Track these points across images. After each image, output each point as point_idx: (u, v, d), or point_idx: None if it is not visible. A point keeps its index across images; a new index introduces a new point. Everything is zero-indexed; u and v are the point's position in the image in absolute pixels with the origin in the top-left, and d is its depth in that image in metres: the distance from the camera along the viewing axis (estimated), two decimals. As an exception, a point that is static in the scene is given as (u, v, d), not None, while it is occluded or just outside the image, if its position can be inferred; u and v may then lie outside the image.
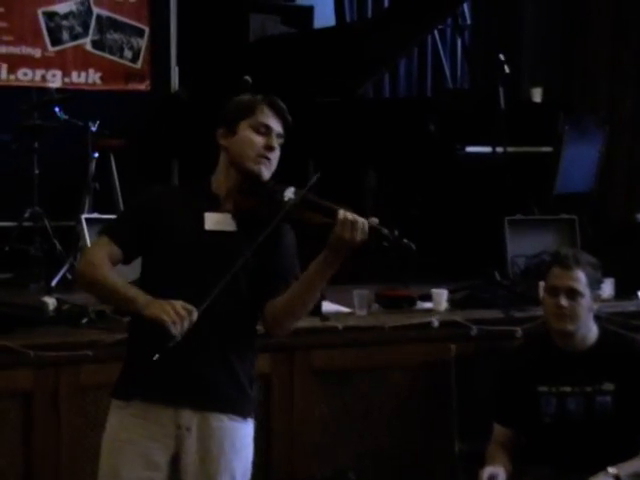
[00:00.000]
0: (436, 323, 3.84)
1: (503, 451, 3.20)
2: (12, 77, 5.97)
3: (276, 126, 2.50)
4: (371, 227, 2.34)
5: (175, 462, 2.45)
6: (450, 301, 4.12)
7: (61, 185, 5.43)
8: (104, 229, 2.52)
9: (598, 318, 3.28)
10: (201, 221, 2.46)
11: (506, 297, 4.18)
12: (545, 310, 3.23)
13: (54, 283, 4.63)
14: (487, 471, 3.07)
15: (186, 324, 2.30)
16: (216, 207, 2.48)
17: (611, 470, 3.02)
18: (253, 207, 2.46)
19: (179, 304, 2.31)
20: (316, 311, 3.83)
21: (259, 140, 2.47)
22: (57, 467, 3.38)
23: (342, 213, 2.33)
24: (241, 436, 2.49)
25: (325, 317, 3.80)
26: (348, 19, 6.80)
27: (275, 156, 2.49)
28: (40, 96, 5.47)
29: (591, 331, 3.20)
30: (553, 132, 5.15)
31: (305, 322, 3.72)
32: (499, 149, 4.69)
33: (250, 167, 2.46)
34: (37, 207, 5.10)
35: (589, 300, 3.14)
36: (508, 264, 4.59)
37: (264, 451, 3.60)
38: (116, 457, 2.45)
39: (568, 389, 3.17)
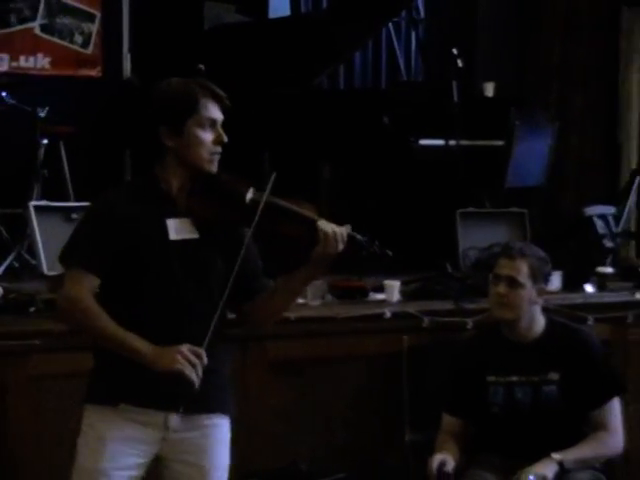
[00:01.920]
0: (388, 314, 3.86)
1: (452, 440, 3.25)
2: (-43, 61, 5.86)
3: (219, 115, 2.46)
4: (349, 235, 2.39)
5: (155, 463, 2.47)
6: (402, 292, 4.14)
7: (9, 172, 5.34)
8: (68, 260, 2.42)
9: (546, 310, 3.34)
10: (164, 230, 2.41)
11: (457, 289, 4.21)
12: (489, 299, 3.30)
13: (0, 271, 4.56)
14: (437, 459, 3.11)
15: (200, 369, 2.32)
16: (173, 209, 2.44)
17: (555, 456, 3.09)
18: (214, 213, 2.43)
19: (187, 350, 2.31)
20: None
21: (208, 137, 2.43)
22: (5, 457, 3.33)
23: (322, 227, 2.36)
24: (225, 431, 2.56)
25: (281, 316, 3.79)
26: (303, 9, 6.78)
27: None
28: (-14, 80, 5.37)
29: (538, 322, 3.26)
30: (505, 126, 5.18)
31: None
32: (452, 142, 4.71)
33: (204, 167, 2.43)
34: (-17, 194, 5.03)
35: (530, 291, 3.20)
36: (460, 256, 4.62)
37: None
38: (97, 455, 2.41)
39: (515, 379, 3.23)
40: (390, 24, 6.16)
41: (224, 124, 2.49)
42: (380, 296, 4.12)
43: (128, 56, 6.25)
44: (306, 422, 3.76)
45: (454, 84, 4.64)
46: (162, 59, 5.94)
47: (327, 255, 2.38)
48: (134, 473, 2.45)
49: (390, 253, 2.44)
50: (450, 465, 3.10)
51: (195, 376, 2.31)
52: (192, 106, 2.41)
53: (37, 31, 6.04)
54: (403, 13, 6.33)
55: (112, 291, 2.40)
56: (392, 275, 4.24)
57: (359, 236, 2.42)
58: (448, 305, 4.04)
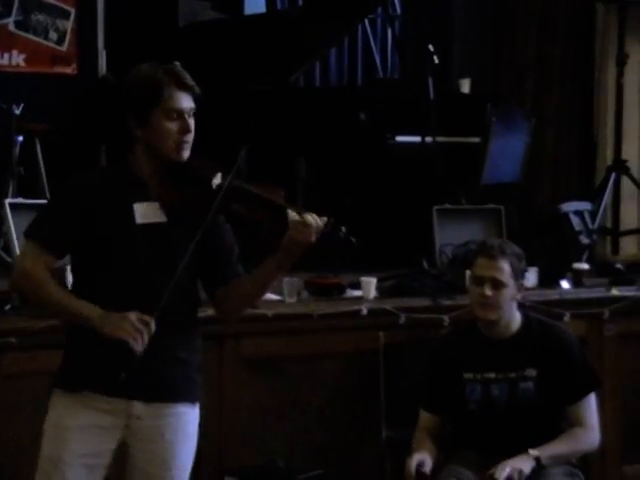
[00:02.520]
0: (365, 311, 3.86)
1: (429, 437, 3.25)
2: None
3: (187, 104, 2.42)
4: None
5: (121, 449, 2.45)
6: (379, 289, 4.14)
7: (-17, 169, 5.30)
8: (30, 234, 2.44)
9: (522, 306, 3.35)
10: (130, 213, 2.42)
11: (434, 286, 4.21)
12: (470, 299, 3.29)
13: (-24, 269, 4.53)
14: (415, 458, 3.11)
15: (146, 337, 2.30)
16: (143, 194, 2.44)
17: (532, 452, 3.10)
18: (182, 199, 2.43)
19: (135, 317, 2.30)
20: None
21: (174, 127, 2.40)
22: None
23: (292, 214, 2.34)
24: (190, 420, 2.52)
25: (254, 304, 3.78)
26: (279, 6, 6.76)
27: (192, 134, 2.44)
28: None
29: (515, 319, 3.27)
30: (481, 123, 5.19)
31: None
32: (428, 139, 4.71)
33: (172, 156, 2.43)
34: (-43, 191, 4.98)
35: (513, 290, 3.21)
36: (436, 253, 4.62)
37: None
38: (60, 443, 2.42)
39: (492, 375, 3.23)
40: (366, 21, 6.15)
41: (200, 115, 2.47)
42: (357, 293, 4.12)
43: (103, 53, 6.22)
44: (282, 419, 3.75)
45: (430, 81, 4.64)
46: (137, 56, 5.89)
47: (297, 243, 2.35)
48: (97, 461, 2.44)
49: (354, 240, 2.41)
50: (428, 466, 3.10)
51: (139, 344, 2.29)
52: (157, 96, 2.39)
53: (11, 27, 6.00)
54: (379, 10, 6.33)
55: (79, 271, 2.44)
56: (368, 272, 4.24)
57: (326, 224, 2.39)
58: (425, 302, 4.04)
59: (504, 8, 6.47)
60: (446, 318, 3.90)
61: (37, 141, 5.29)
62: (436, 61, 4.68)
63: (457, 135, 5.22)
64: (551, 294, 4.29)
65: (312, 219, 2.34)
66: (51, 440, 2.45)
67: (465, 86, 5.97)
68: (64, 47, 6.13)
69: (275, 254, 2.41)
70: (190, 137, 2.44)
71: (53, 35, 6.12)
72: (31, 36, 6.06)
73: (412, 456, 3.13)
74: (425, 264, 4.47)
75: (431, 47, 4.70)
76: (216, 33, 5.81)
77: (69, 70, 6.16)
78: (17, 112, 5.02)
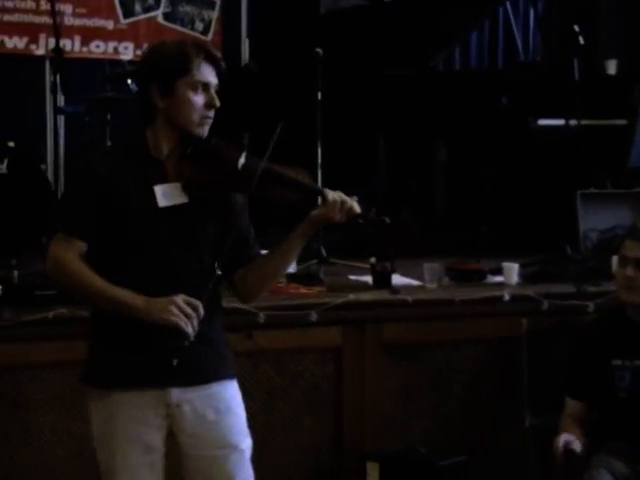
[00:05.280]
0: (507, 297, 3.82)
1: (575, 424, 3.20)
2: (85, 49, 6.05)
3: (214, 78, 2.38)
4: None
5: (170, 438, 2.43)
6: (521, 275, 4.08)
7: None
8: (59, 226, 2.37)
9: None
10: (152, 197, 2.35)
11: (578, 271, 4.13)
12: (616, 283, 3.23)
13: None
14: (563, 437, 3.08)
15: (196, 321, 2.27)
16: (162, 174, 2.37)
17: None
18: (204, 177, 2.37)
19: (182, 300, 2.27)
20: (386, 284, 3.84)
21: (200, 100, 2.35)
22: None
23: (332, 195, 2.34)
24: (229, 396, 2.48)
25: (395, 290, 3.80)
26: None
27: (214, 111, 2.40)
28: (113, 68, 5.53)
29: (664, 304, 3.17)
30: (628, 105, 5.04)
31: (375, 295, 3.75)
32: (572, 122, 4.62)
33: (194, 131, 2.37)
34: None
35: None
36: (580, 238, 4.53)
37: (335, 425, 3.64)
38: (112, 448, 2.39)
39: (643, 363, 3.15)
40: (507, 2, 6.05)
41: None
42: (498, 279, 4.07)
43: (247, 42, 6.35)
44: (422, 405, 3.75)
45: (575, 62, 4.54)
46: (280, 45, 6.01)
47: (327, 219, 2.36)
48: (153, 456, 2.41)
49: (388, 220, 2.39)
50: (577, 445, 3.06)
51: (191, 330, 2.25)
52: (184, 66, 2.35)
53: (160, 19, 6.20)
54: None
55: (102, 256, 2.35)
56: (511, 257, 4.19)
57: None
58: (568, 288, 3.96)
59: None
60: (591, 305, 3.82)
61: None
62: (582, 42, 4.58)
63: (602, 118, 5.09)
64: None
65: (348, 200, 2.36)
66: (104, 448, 2.42)
67: (611, 67, 5.80)
68: (209, 37, 6.29)
69: (298, 226, 2.39)
70: (212, 113, 2.38)
71: (199, 25, 6.29)
72: (178, 27, 6.25)
73: (560, 435, 3.09)
74: (569, 250, 4.39)
75: (576, 27, 4.60)
76: (357, 19, 5.83)
77: (214, 59, 6.31)
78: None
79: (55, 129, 5.49)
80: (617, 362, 3.17)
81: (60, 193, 4.57)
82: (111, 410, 2.39)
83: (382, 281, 3.86)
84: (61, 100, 5.20)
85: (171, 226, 2.36)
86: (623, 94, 5.08)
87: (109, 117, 5.16)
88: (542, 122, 5.01)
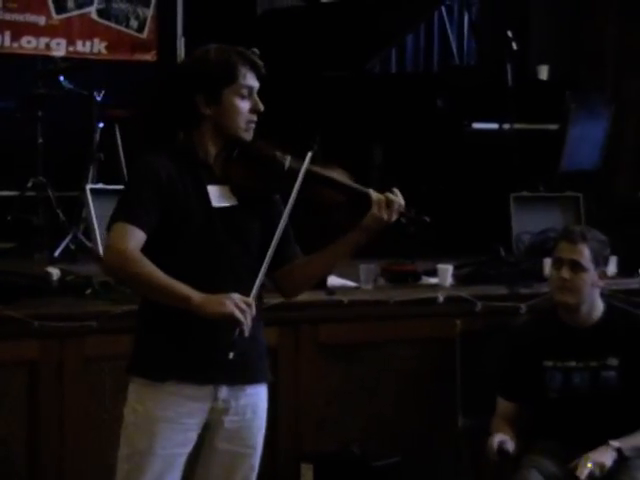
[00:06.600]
0: (441, 298, 3.85)
1: (507, 424, 3.24)
2: (15, 45, 5.94)
3: (256, 83, 2.44)
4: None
5: (204, 429, 2.46)
6: (455, 277, 4.12)
7: (65, 155, 5.41)
8: (119, 216, 2.38)
9: (603, 295, 3.30)
10: (206, 197, 2.42)
11: (511, 273, 4.18)
12: (550, 284, 3.27)
13: (57, 253, 4.63)
14: (497, 437, 3.11)
15: (249, 317, 2.29)
16: (211, 177, 2.43)
17: (613, 443, 3.06)
18: (252, 181, 2.43)
19: (237, 298, 2.29)
20: (322, 285, 3.83)
21: (246, 106, 2.42)
22: (60, 437, 3.37)
23: (376, 195, 2.38)
24: (264, 399, 2.55)
25: (331, 291, 3.80)
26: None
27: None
28: (45, 65, 5.43)
29: (597, 307, 3.23)
30: (560, 110, 5.13)
31: (311, 296, 3.73)
32: (506, 126, 4.68)
33: (240, 135, 2.43)
34: (41, 177, 5.09)
35: (593, 275, 3.17)
36: (513, 241, 4.59)
37: (269, 426, 3.60)
38: (150, 436, 2.41)
39: (573, 364, 3.20)
40: (442, 6, 6.11)
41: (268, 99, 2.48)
42: (433, 280, 4.10)
43: (182, 40, 6.29)
44: (357, 406, 3.76)
45: (508, 67, 4.60)
46: (215, 43, 5.96)
47: (379, 221, 2.39)
48: (183, 450, 2.44)
49: (427, 219, 2.44)
50: (510, 445, 3.09)
51: (247, 324, 2.27)
52: (231, 74, 2.40)
53: (94, 16, 6.11)
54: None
55: (156, 253, 2.35)
56: (445, 259, 4.22)
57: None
58: (501, 290, 4.01)
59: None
60: (523, 306, 3.87)
61: (117, 127, 5.38)
62: (515, 47, 4.64)
63: (535, 122, 5.16)
64: (630, 283, 4.24)
65: (395, 196, 2.40)
66: (139, 432, 2.43)
67: (543, 72, 5.90)
68: (144, 34, 6.23)
69: (350, 233, 2.43)
70: (256, 117, 2.45)
71: (134, 23, 6.22)
72: (112, 24, 6.17)
73: (493, 435, 3.13)
74: (502, 252, 4.43)
75: (510, 33, 4.66)
76: (293, 20, 5.83)
77: (149, 57, 6.25)
78: (98, 99, 5.10)
79: (-16, 125, 5.39)
80: (548, 363, 3.21)
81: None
82: (161, 397, 2.41)
83: (318, 282, 3.85)
84: (-9, 96, 5.11)
85: (225, 226, 2.42)
86: (555, 99, 5.16)
87: (40, 114, 5.09)
88: (477, 125, 5.07)
